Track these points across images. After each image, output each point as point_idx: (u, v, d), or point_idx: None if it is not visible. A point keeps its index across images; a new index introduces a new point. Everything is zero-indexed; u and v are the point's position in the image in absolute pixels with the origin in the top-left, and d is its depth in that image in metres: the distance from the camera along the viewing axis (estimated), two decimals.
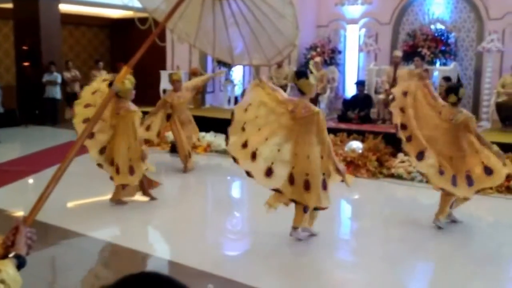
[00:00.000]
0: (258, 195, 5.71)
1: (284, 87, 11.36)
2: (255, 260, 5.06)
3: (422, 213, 6.79)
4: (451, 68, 10.22)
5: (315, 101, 10.92)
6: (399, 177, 8.16)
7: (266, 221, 5.66)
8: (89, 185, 7.59)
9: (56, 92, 14.24)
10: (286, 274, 4.79)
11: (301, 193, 5.05)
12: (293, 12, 3.09)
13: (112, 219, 6.29)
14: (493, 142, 7.62)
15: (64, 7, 15.08)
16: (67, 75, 14.74)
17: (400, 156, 8.39)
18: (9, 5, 14.75)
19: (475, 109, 10.62)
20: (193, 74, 12.31)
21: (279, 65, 11.29)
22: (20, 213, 6.06)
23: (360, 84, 10.38)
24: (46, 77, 14.07)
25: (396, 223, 6.31)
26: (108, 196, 6.70)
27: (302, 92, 5.15)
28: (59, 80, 14.22)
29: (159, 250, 5.45)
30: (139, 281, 1.14)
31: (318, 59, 11.20)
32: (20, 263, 1.71)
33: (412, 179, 8.05)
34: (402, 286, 4.74)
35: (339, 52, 12.08)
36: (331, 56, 11.77)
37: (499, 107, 9.11)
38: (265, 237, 5.62)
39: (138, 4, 3.08)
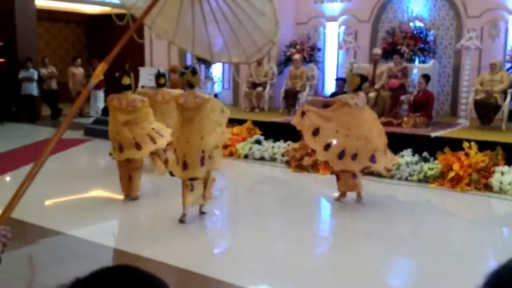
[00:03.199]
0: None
1: (263, 85, 11.36)
2: (241, 259, 5.01)
3: (401, 210, 6.88)
4: (430, 65, 10.26)
5: (294, 98, 10.94)
6: (378, 174, 8.11)
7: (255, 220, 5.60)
8: (67, 183, 7.52)
9: (33, 89, 14.10)
10: (273, 274, 4.78)
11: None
12: (273, 9, 3.07)
13: (91, 217, 6.25)
14: (471, 140, 7.78)
15: (40, 3, 14.89)
16: (44, 71, 14.54)
17: None
18: None
19: (453, 106, 10.72)
20: (172, 71, 12.20)
21: (259, 63, 11.23)
22: None
23: (341, 80, 10.36)
24: (22, 74, 13.94)
25: (376, 220, 6.36)
26: (87, 194, 6.63)
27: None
28: (35, 76, 14.09)
29: (138, 248, 5.35)
30: (114, 274, 1.11)
31: (297, 56, 11.17)
32: None
33: (392, 177, 8.05)
34: (381, 282, 4.74)
35: (319, 49, 12.05)
36: (311, 53, 11.74)
37: (477, 104, 9.16)
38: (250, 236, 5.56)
39: (115, 0, 3.02)
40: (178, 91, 6.24)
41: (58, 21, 18.28)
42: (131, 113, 6.53)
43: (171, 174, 5.97)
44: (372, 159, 6.53)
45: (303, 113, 6.68)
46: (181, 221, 5.83)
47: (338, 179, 6.77)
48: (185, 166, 5.79)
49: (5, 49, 14.13)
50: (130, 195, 6.73)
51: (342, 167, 6.55)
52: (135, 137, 6.53)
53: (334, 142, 6.51)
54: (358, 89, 6.60)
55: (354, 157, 6.47)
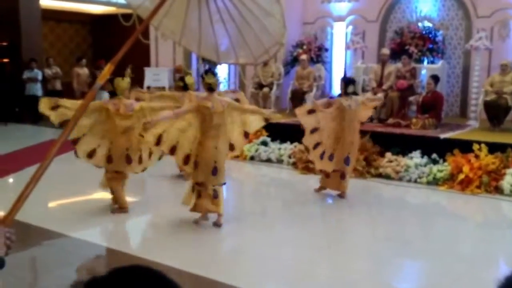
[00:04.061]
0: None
1: (270, 85, 11.24)
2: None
3: (410, 212, 6.80)
4: (439, 66, 10.13)
5: (301, 99, 10.82)
6: (387, 176, 8.05)
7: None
8: (71, 185, 7.46)
9: (37, 89, 14.01)
10: (279, 276, 4.72)
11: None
12: (281, 10, 3.02)
13: (95, 219, 6.19)
14: (481, 142, 7.65)
15: (45, 2, 14.82)
16: (48, 72, 14.46)
17: (388, 155, 8.27)
18: None
19: (463, 107, 10.57)
20: (177, 71, 12.13)
21: (265, 64, 11.11)
22: (0, 213, 5.85)
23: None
24: (26, 74, 13.87)
25: (384, 222, 6.32)
26: (90, 196, 6.50)
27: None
28: (39, 77, 14.00)
29: (144, 251, 5.32)
30: (132, 273, 1.16)
31: (304, 56, 11.05)
32: None
33: (400, 179, 7.96)
34: (389, 286, 4.66)
35: (326, 49, 11.92)
36: (318, 53, 11.61)
37: (487, 106, 9.03)
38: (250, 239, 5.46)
39: (121, 0, 2.95)
40: (204, 94, 5.90)
41: (63, 21, 18.20)
42: (129, 118, 6.14)
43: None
44: (346, 161, 6.89)
45: (311, 111, 6.92)
46: (217, 225, 5.81)
47: (327, 176, 7.08)
48: (214, 172, 5.63)
49: (10, 49, 14.07)
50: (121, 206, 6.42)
51: (321, 166, 6.96)
52: (128, 148, 6.13)
53: (322, 141, 6.91)
54: (352, 93, 6.99)
55: (331, 157, 6.91)
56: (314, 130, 6.92)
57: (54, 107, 5.94)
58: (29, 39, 14.15)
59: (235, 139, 5.93)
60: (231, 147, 5.93)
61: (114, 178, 6.25)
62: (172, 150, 5.70)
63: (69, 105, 5.89)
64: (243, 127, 5.93)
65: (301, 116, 6.96)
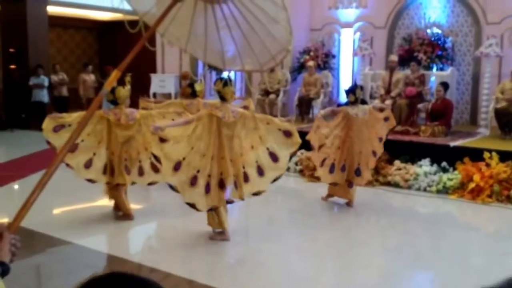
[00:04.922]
0: None
1: (277, 92, 11.14)
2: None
3: (420, 222, 6.68)
4: (448, 73, 9.99)
5: (308, 106, 10.72)
6: (395, 185, 7.92)
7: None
8: (75, 192, 7.41)
9: (43, 96, 14.00)
10: (286, 286, 4.64)
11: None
12: (287, 17, 2.98)
13: (99, 227, 6.16)
14: (492, 150, 7.51)
15: (52, 9, 14.82)
16: (55, 78, 14.49)
17: (397, 163, 8.14)
18: None
19: (473, 115, 10.42)
20: (183, 78, 12.06)
21: (272, 70, 11.02)
22: (4, 220, 5.90)
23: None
24: (33, 80, 13.87)
25: (393, 232, 6.24)
26: (95, 203, 6.46)
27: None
28: (46, 83, 14.00)
29: (149, 259, 5.26)
30: (109, 281, 1.14)
31: (311, 63, 10.96)
32: (4, 271, 1.66)
33: (409, 187, 7.83)
34: None
35: (333, 56, 11.83)
36: (325, 60, 11.51)
37: (498, 113, 8.89)
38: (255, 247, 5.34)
39: (127, 7, 2.99)
40: (213, 102, 5.67)
41: (70, 28, 18.24)
42: (130, 128, 6.04)
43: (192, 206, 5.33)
44: (357, 171, 6.80)
45: (317, 127, 6.83)
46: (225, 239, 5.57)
47: (335, 184, 6.95)
48: (221, 186, 5.32)
49: (17, 55, 14.09)
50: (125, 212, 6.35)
51: (332, 179, 6.84)
52: (126, 158, 6.03)
53: (329, 156, 6.77)
54: (355, 101, 6.85)
55: (343, 168, 6.80)
56: (321, 147, 6.81)
57: (57, 128, 5.87)
58: (36, 46, 14.17)
59: (260, 159, 5.44)
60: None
61: (116, 189, 6.21)
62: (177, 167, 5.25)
63: (74, 122, 5.78)
64: (263, 145, 5.47)
65: (310, 136, 6.80)
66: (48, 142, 5.94)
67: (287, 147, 5.53)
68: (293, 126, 5.60)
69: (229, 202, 5.47)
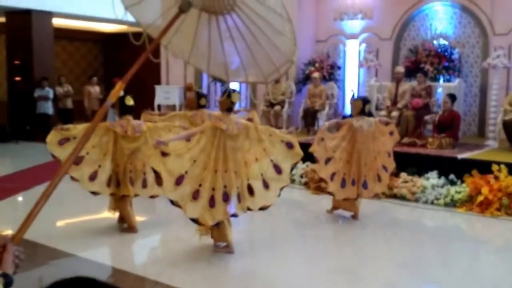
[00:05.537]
0: None
1: (282, 103, 11.05)
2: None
3: (427, 236, 6.57)
4: (455, 84, 9.87)
5: (313, 118, 10.62)
6: (402, 198, 7.79)
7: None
8: (79, 204, 7.40)
9: (48, 108, 14.06)
10: None
11: None
12: (292, 28, 2.94)
13: (102, 239, 6.11)
14: (500, 163, 7.37)
15: (57, 21, 14.87)
16: (60, 90, 14.52)
17: (403, 175, 8.01)
18: (2, 19, 14.61)
19: (481, 127, 10.28)
20: (188, 89, 12.03)
21: (277, 81, 10.96)
22: (9, 231, 5.96)
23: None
24: (38, 92, 13.94)
25: (400, 246, 6.12)
26: (99, 215, 6.48)
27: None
28: (51, 95, 14.06)
29: (152, 272, 5.21)
30: (73, 285, 1.16)
31: (316, 74, 10.88)
32: (7, 282, 1.65)
33: (416, 200, 7.70)
34: None
35: (339, 67, 11.74)
36: (330, 71, 11.42)
37: (507, 125, 8.75)
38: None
39: (132, 19, 2.96)
40: (218, 114, 5.60)
41: (75, 40, 18.32)
42: (136, 140, 6.00)
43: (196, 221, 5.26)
44: (364, 185, 6.69)
45: (321, 139, 6.72)
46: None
47: (347, 199, 6.80)
48: (225, 198, 5.22)
49: (22, 68, 14.13)
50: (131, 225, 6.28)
51: (345, 195, 6.70)
52: (131, 170, 5.98)
53: (338, 170, 6.67)
54: (362, 112, 6.71)
55: (353, 183, 6.66)
56: (328, 160, 6.68)
57: (62, 141, 5.82)
58: (41, 58, 14.23)
59: (265, 172, 5.37)
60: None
61: (121, 200, 6.15)
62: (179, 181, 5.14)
63: (79, 135, 5.72)
64: (267, 156, 5.40)
65: (314, 148, 6.71)
66: (53, 156, 5.88)
67: (289, 159, 5.49)
68: (295, 138, 5.55)
69: (234, 215, 5.35)
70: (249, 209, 5.33)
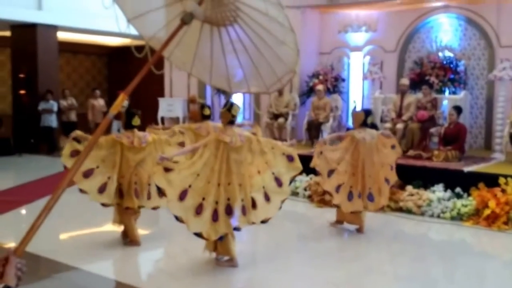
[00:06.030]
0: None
1: (285, 116, 10.99)
2: None
3: (433, 250, 6.47)
4: (461, 97, 9.79)
5: (317, 130, 10.54)
6: (408, 211, 7.68)
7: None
8: (82, 217, 7.39)
9: (52, 121, 14.11)
10: None
11: None
12: (294, 38, 2.96)
13: (105, 252, 6.07)
14: (507, 176, 7.26)
15: (61, 35, 14.93)
16: (64, 103, 14.57)
17: (409, 188, 7.91)
18: (7, 33, 14.72)
19: (488, 140, 10.17)
20: (191, 102, 12.01)
21: (280, 93, 10.93)
22: (12, 244, 5.97)
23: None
24: (42, 106, 14.01)
25: (405, 260, 6.03)
26: (102, 228, 6.48)
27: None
28: (55, 108, 14.12)
29: (153, 285, 5.19)
30: None
31: (320, 87, 10.83)
32: None
33: (422, 214, 7.58)
34: None
35: (343, 80, 11.70)
36: (334, 84, 11.38)
37: None
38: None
39: (135, 32, 3.01)
40: (220, 125, 5.58)
41: (79, 53, 18.42)
42: (142, 151, 5.99)
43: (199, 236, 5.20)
44: (369, 197, 6.63)
45: (320, 153, 6.67)
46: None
47: (354, 213, 6.71)
48: (229, 211, 5.16)
49: (26, 81, 14.18)
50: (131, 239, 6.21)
51: (352, 208, 6.59)
52: (136, 182, 5.94)
53: (344, 182, 6.59)
54: (364, 124, 6.69)
55: (360, 195, 6.58)
56: (331, 172, 6.62)
57: (73, 153, 5.84)
58: (46, 71, 14.31)
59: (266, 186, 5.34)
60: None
61: (125, 213, 6.09)
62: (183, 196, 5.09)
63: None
64: (269, 169, 5.38)
65: (315, 163, 6.68)
66: (65, 167, 5.89)
67: (289, 172, 5.47)
68: (295, 151, 5.55)
69: (236, 229, 5.27)
70: (252, 222, 5.27)
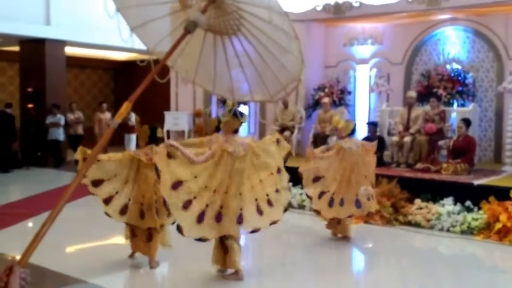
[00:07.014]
0: None
1: (291, 129, 10.93)
2: None
3: (443, 264, 6.33)
4: (470, 109, 9.70)
5: (323, 143, 10.46)
6: (417, 225, 7.56)
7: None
8: (89, 229, 7.38)
9: (59, 134, 14.19)
10: None
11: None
12: (299, 46, 2.90)
13: (111, 265, 6.00)
14: None
15: (69, 50, 15.05)
16: (71, 117, 14.61)
17: (418, 202, 7.79)
18: (16, 48, 14.85)
19: (497, 152, 10.04)
20: (197, 115, 11.99)
21: (285, 106, 10.88)
22: (18, 257, 5.64)
23: (372, 125, 9.86)
24: (49, 119, 14.08)
25: (415, 274, 5.91)
26: (109, 241, 6.44)
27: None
28: (62, 122, 14.20)
29: None
30: None
31: (326, 100, 10.77)
32: None
33: (432, 227, 7.45)
34: None
35: (349, 92, 11.63)
36: (340, 96, 11.31)
37: None
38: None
39: (139, 46, 3.00)
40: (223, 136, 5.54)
41: (87, 68, 18.55)
42: None
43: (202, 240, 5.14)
44: (357, 203, 6.63)
45: (308, 160, 6.85)
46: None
47: (334, 220, 6.83)
48: (240, 220, 5.13)
49: (34, 95, 14.27)
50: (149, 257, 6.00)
51: (332, 215, 6.70)
52: (157, 200, 5.65)
53: (329, 190, 6.69)
54: (351, 134, 6.94)
55: (341, 203, 6.63)
56: (316, 179, 6.74)
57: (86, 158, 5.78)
58: (54, 86, 14.40)
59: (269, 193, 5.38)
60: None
61: (147, 234, 5.82)
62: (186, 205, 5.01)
63: (101, 158, 5.67)
64: (272, 178, 5.42)
65: (302, 169, 6.81)
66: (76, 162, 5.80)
67: (280, 157, 5.53)
68: (280, 137, 5.73)
69: (255, 231, 5.31)
70: (258, 229, 5.27)
